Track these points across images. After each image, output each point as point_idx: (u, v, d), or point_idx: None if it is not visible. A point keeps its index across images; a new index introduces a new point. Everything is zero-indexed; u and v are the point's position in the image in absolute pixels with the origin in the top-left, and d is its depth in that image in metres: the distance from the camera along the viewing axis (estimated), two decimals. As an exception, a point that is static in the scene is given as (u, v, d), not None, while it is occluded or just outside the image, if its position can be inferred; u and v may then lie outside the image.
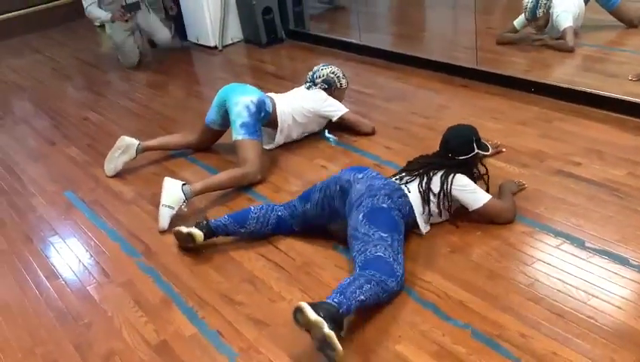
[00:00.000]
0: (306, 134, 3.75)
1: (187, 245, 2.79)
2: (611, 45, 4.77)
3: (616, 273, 2.34)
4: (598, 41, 4.79)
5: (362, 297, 2.15)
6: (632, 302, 2.21)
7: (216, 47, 5.85)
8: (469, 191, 2.66)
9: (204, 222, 2.77)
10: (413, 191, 2.65)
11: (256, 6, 5.58)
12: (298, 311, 2.03)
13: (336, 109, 3.69)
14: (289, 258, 2.69)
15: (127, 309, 2.53)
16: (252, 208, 2.83)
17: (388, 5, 7.22)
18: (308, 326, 2.01)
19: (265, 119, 3.49)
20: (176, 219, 3.01)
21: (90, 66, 6.09)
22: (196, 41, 6.04)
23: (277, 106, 3.55)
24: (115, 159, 3.61)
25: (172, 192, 3.02)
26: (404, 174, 2.77)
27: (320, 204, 2.69)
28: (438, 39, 5.72)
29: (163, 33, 5.75)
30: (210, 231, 2.75)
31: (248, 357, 2.19)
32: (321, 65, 3.79)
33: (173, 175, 3.44)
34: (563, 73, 4.43)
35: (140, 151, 3.63)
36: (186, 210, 3.04)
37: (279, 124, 3.58)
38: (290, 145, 3.70)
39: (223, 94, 3.52)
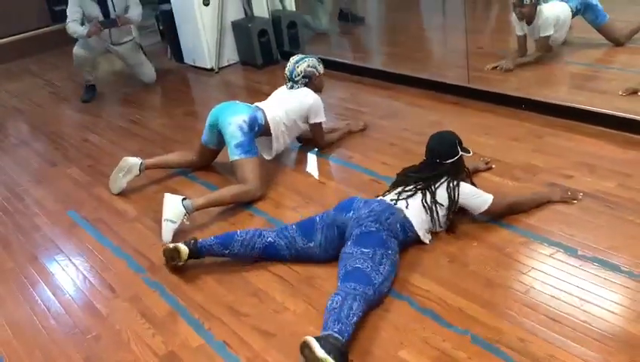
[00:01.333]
0: (295, 136, 3.82)
1: (173, 263, 2.82)
2: (600, 63, 4.90)
3: (607, 279, 2.43)
4: (586, 59, 4.92)
5: (356, 319, 2.25)
6: (624, 307, 2.29)
7: (212, 69, 5.96)
8: (473, 197, 2.80)
9: (192, 241, 2.81)
10: (413, 207, 2.73)
11: (252, 29, 5.71)
12: (306, 346, 2.08)
13: (318, 114, 3.73)
14: (292, 271, 2.76)
15: (135, 322, 2.59)
16: (238, 232, 2.85)
17: (380, 27, 7.36)
18: None
19: (259, 132, 3.55)
20: (179, 233, 3.09)
21: (88, 89, 6.16)
22: (193, 63, 6.15)
23: (267, 115, 3.57)
24: (120, 179, 3.67)
25: (172, 206, 3.09)
26: (400, 189, 2.84)
27: (324, 246, 2.73)
28: (430, 59, 5.85)
29: (148, 72, 5.80)
30: (195, 250, 2.78)
31: (255, 366, 2.26)
32: (294, 58, 3.78)
33: (175, 193, 3.52)
34: (553, 90, 4.54)
35: (143, 169, 3.70)
36: (187, 223, 3.11)
37: (273, 132, 3.60)
38: (288, 162, 3.80)
39: (214, 115, 3.59)
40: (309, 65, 3.76)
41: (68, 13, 5.37)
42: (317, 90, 3.79)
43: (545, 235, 2.75)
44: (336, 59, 5.56)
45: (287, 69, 3.78)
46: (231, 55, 6.05)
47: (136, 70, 5.79)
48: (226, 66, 6.03)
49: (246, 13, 5.97)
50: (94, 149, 4.56)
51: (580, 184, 3.10)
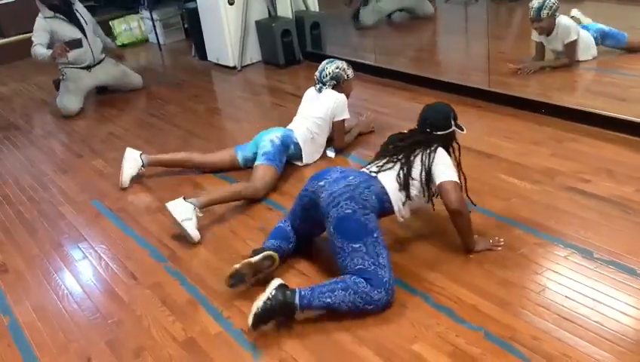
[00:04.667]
0: (325, 140, 3.88)
1: (260, 275, 2.67)
2: (621, 70, 4.88)
3: (623, 282, 2.45)
4: (607, 66, 4.92)
5: (329, 300, 2.33)
6: (638, 309, 2.31)
7: (235, 68, 6.04)
8: (441, 164, 2.66)
9: (264, 249, 2.71)
10: (391, 178, 2.65)
11: (276, 29, 5.78)
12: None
13: (343, 112, 3.82)
14: (310, 265, 2.81)
15: (155, 309, 2.66)
16: (280, 223, 2.88)
17: (402, 30, 7.39)
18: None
19: (294, 151, 3.69)
20: (200, 228, 3.12)
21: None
22: (216, 61, 6.24)
23: (297, 135, 3.71)
24: (124, 171, 3.74)
25: (180, 208, 3.07)
26: (384, 161, 2.73)
27: (303, 218, 2.76)
28: (452, 63, 5.88)
29: (136, 78, 5.87)
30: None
31: (272, 354, 2.31)
32: (324, 62, 3.91)
33: (198, 186, 3.61)
34: (573, 96, 4.56)
35: (146, 161, 3.76)
36: (201, 215, 3.12)
37: (302, 148, 3.73)
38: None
39: (260, 135, 3.71)
40: (337, 67, 3.85)
41: (33, 38, 5.12)
42: (344, 93, 3.88)
43: (561, 237, 2.77)
44: (358, 60, 5.61)
45: (317, 70, 3.89)
46: (254, 54, 6.13)
47: (125, 81, 5.80)
48: (249, 65, 6.11)
49: (270, 13, 6.04)
50: (119, 142, 4.64)
51: (597, 188, 3.12)
